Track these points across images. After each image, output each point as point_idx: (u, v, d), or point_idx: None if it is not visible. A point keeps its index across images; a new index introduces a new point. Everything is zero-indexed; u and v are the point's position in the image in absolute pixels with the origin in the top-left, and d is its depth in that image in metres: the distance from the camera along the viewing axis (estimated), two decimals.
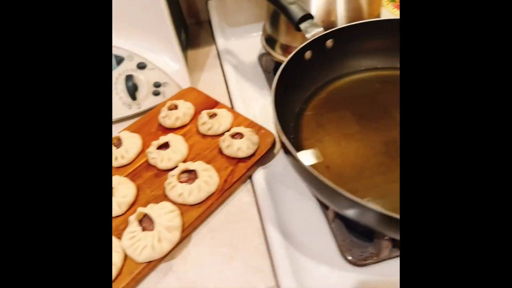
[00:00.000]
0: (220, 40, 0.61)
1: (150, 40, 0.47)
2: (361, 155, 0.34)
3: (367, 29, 0.40)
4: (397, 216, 0.22)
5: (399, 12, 0.45)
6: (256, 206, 0.35)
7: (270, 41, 0.51)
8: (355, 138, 0.36)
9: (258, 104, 0.48)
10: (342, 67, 0.43)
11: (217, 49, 0.61)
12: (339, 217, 0.32)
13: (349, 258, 0.30)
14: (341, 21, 0.45)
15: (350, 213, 0.26)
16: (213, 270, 0.31)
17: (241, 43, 0.60)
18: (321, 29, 0.39)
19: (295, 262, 0.30)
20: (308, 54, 0.39)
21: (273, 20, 0.48)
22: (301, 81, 0.40)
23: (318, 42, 0.39)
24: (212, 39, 0.63)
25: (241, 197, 0.36)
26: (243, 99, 0.48)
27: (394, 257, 0.30)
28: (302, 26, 0.39)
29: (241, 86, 0.51)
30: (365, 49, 0.42)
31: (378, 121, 0.37)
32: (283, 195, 0.36)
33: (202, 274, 0.31)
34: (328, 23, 0.45)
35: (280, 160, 0.39)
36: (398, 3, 0.48)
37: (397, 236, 0.27)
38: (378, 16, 0.48)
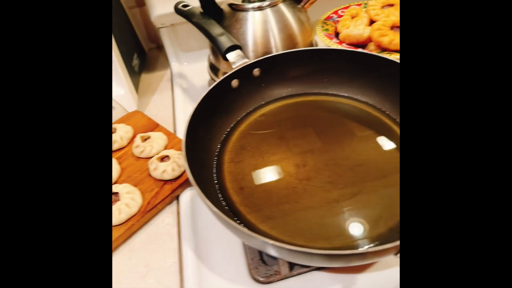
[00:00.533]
0: (174, 64, 0.64)
1: None
2: (276, 178, 0.36)
3: (291, 58, 0.43)
4: (294, 248, 0.23)
5: (330, 41, 0.49)
6: (177, 226, 0.37)
7: (213, 68, 0.54)
8: (272, 160, 0.38)
9: None
10: (270, 93, 0.46)
11: (171, 73, 0.64)
12: None
13: (255, 276, 0.32)
14: (277, 49, 0.49)
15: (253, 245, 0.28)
16: (130, 287, 0.32)
17: (194, 67, 0.63)
18: (247, 59, 0.42)
19: (204, 280, 0.32)
20: (235, 83, 0.42)
21: (214, 49, 0.51)
22: (230, 107, 0.43)
23: (244, 71, 0.42)
24: (168, 63, 0.66)
25: (165, 217, 0.38)
26: (185, 122, 0.51)
27: (294, 275, 0.32)
28: (229, 56, 0.42)
29: (187, 110, 0.54)
30: (291, 76, 0.45)
31: (297, 145, 0.39)
32: (205, 215, 0.38)
33: None
34: (264, 52, 0.48)
35: None
36: (331, 32, 0.52)
37: (296, 261, 0.29)
38: (311, 44, 0.52)
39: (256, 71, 0.44)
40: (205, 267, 0.33)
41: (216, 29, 0.44)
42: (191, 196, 0.40)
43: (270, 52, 0.48)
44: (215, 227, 0.36)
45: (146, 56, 0.69)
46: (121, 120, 0.49)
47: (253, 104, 0.45)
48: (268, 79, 0.45)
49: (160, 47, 0.72)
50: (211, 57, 0.53)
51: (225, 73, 0.51)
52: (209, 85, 0.58)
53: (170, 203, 0.39)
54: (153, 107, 0.56)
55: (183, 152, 0.31)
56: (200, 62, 0.63)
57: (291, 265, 0.32)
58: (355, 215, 0.32)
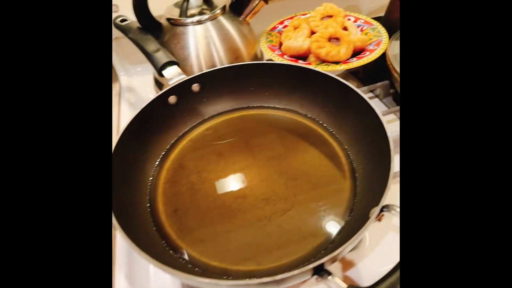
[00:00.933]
0: (123, 77, 0.62)
1: None
2: (212, 197, 0.36)
3: (231, 72, 0.43)
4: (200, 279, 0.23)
5: (272, 53, 0.49)
6: (113, 252, 0.36)
7: (158, 83, 0.53)
8: (210, 179, 0.37)
9: None
10: (211, 108, 0.45)
11: (119, 86, 0.62)
12: None
13: None
14: (221, 63, 0.49)
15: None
16: None
17: (143, 80, 0.61)
18: (184, 75, 0.41)
19: None
20: (173, 99, 0.42)
21: None
22: (169, 124, 0.42)
23: (182, 87, 0.42)
24: (116, 76, 0.64)
25: None
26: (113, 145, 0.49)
27: None
28: (165, 72, 0.41)
29: None
30: (233, 90, 0.45)
31: (235, 162, 0.39)
32: None
33: None
34: (209, 65, 0.48)
35: None
36: (275, 44, 0.52)
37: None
38: (255, 55, 0.52)
39: (195, 87, 0.43)
40: None
41: (152, 45, 0.43)
42: None
43: (214, 66, 0.48)
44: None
45: None
46: None
47: (194, 120, 0.44)
48: (209, 94, 0.44)
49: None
50: (155, 72, 0.52)
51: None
52: None
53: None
54: None
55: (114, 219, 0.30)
56: (149, 74, 0.62)
57: None
58: (285, 234, 0.32)
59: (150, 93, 0.58)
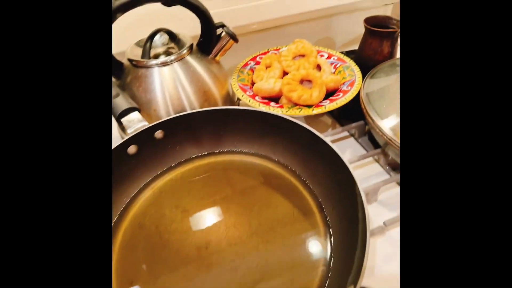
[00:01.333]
0: None
1: None
2: (174, 265, 0.32)
3: (197, 117, 0.40)
4: None
5: (243, 94, 0.46)
6: None
7: (122, 126, 0.49)
8: (172, 240, 0.34)
9: None
10: (178, 155, 0.42)
11: None
12: None
13: None
14: (190, 105, 0.45)
15: None
16: None
17: None
18: (145, 123, 0.38)
19: None
20: (132, 149, 0.38)
21: None
22: (129, 176, 0.38)
23: (144, 135, 0.38)
24: None
25: None
26: None
27: None
28: (124, 120, 0.38)
29: None
30: (201, 135, 0.42)
31: (202, 218, 0.36)
32: None
33: None
34: (178, 109, 0.44)
35: None
36: (246, 83, 0.50)
37: None
38: (227, 94, 0.49)
39: (158, 134, 0.40)
40: None
41: (111, 90, 0.39)
42: None
43: (183, 109, 0.45)
44: None
45: None
46: None
47: (157, 169, 0.41)
48: (174, 140, 0.41)
49: None
50: None
51: None
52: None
53: None
54: None
55: None
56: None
57: None
58: None
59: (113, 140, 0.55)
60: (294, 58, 0.48)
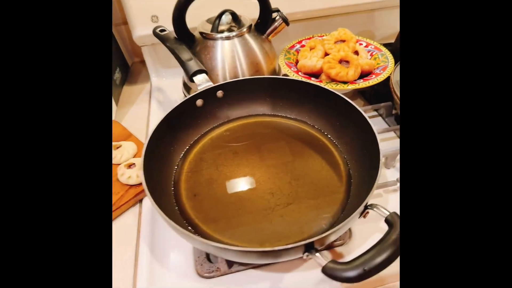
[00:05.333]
0: (154, 79, 0.70)
1: None
2: (226, 187, 0.42)
3: (250, 83, 0.50)
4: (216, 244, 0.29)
5: (288, 69, 0.55)
6: (137, 226, 0.42)
7: (186, 87, 0.60)
8: (225, 172, 0.44)
9: None
10: (231, 113, 0.52)
11: (151, 86, 0.69)
12: None
13: (200, 272, 0.37)
14: (243, 74, 0.55)
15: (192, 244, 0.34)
16: None
17: (172, 82, 0.69)
18: (211, 83, 0.48)
19: (155, 274, 0.37)
20: (199, 102, 0.48)
21: None
22: (193, 123, 0.49)
23: (208, 93, 0.48)
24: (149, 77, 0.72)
25: (128, 218, 0.43)
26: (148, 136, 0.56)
27: (233, 272, 0.37)
28: (195, 79, 0.48)
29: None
30: (250, 99, 0.51)
31: (248, 160, 0.45)
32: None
33: None
34: (232, 75, 0.54)
35: None
36: (292, 61, 0.59)
37: (230, 259, 0.35)
38: (274, 70, 0.58)
39: (219, 93, 0.50)
40: (157, 263, 0.38)
41: (186, 54, 0.50)
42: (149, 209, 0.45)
43: (237, 76, 0.55)
44: (169, 229, 0.42)
45: (129, 69, 0.75)
46: None
47: (216, 122, 0.51)
48: (230, 100, 0.51)
49: (143, 62, 0.78)
50: (184, 77, 0.59)
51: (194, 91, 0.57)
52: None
53: (133, 205, 0.44)
54: (129, 118, 0.61)
55: (142, 163, 0.37)
56: (178, 78, 0.69)
57: (230, 264, 0.37)
58: (285, 223, 0.37)
59: (177, 95, 0.66)
60: (335, 42, 0.56)
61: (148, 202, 0.45)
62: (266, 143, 0.48)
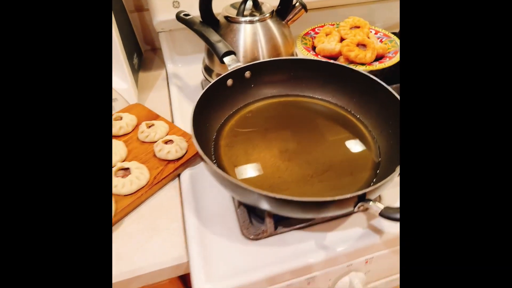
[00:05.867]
0: (169, 66, 0.71)
1: None
2: (264, 159, 0.45)
3: (276, 64, 0.53)
4: (275, 195, 0.32)
5: (307, 53, 0.58)
6: (179, 198, 0.44)
7: (207, 70, 0.62)
8: (260, 146, 0.46)
9: None
10: (258, 93, 0.54)
11: (166, 73, 0.70)
12: (243, 204, 0.42)
13: (246, 235, 0.40)
14: (263, 57, 0.58)
15: (244, 198, 0.36)
16: (139, 245, 0.38)
17: (187, 69, 0.70)
18: (240, 63, 0.50)
19: (204, 239, 0.39)
20: (229, 82, 0.50)
21: (210, 53, 0.59)
22: (224, 102, 0.51)
23: (238, 73, 0.51)
24: (163, 64, 0.73)
25: (168, 191, 0.45)
26: (182, 115, 0.58)
27: (278, 233, 0.40)
28: (225, 59, 0.50)
29: (183, 105, 0.61)
30: (276, 80, 0.54)
31: (280, 135, 0.48)
32: (203, 189, 0.45)
33: (130, 248, 0.38)
34: (253, 58, 0.57)
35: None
36: (309, 46, 0.62)
37: (278, 213, 0.37)
38: (292, 54, 0.61)
39: (247, 74, 0.52)
40: (204, 229, 0.40)
41: (215, 37, 0.52)
42: (190, 174, 0.47)
43: (258, 59, 0.57)
44: (211, 198, 0.44)
45: (143, 56, 0.76)
46: (125, 110, 0.55)
47: (244, 101, 0.53)
48: (257, 81, 0.53)
49: (155, 50, 0.79)
50: (206, 61, 0.61)
51: (218, 74, 0.59)
52: (202, 85, 0.67)
53: (173, 179, 0.46)
54: (151, 102, 0.62)
55: (192, 131, 0.39)
56: (192, 65, 0.71)
57: (276, 226, 0.40)
58: (325, 186, 0.41)
59: (194, 81, 0.67)
60: (350, 28, 0.60)
61: (186, 176, 0.46)
62: (295, 120, 0.51)
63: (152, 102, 0.62)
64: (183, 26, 0.57)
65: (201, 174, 0.47)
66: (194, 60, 0.71)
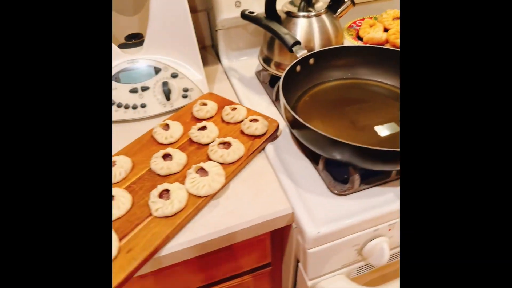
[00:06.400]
0: (225, 61, 0.79)
1: (182, 57, 0.63)
2: (337, 127, 0.52)
3: (335, 52, 0.61)
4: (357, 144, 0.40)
5: (356, 42, 0.66)
6: (270, 166, 0.51)
7: (266, 60, 0.69)
8: (332, 118, 0.54)
9: (261, 105, 0.65)
10: (320, 77, 0.62)
11: (222, 68, 0.78)
12: (325, 168, 0.50)
13: (335, 191, 0.47)
14: (318, 47, 0.66)
15: (332, 152, 0.43)
16: (247, 202, 0.46)
17: (240, 63, 0.78)
18: (306, 51, 0.58)
19: (301, 194, 0.47)
20: (298, 68, 0.58)
21: (269, 45, 0.67)
22: (294, 86, 0.59)
23: (304, 60, 0.58)
24: (216, 59, 0.80)
25: (259, 161, 0.52)
26: (250, 101, 0.65)
27: (362, 190, 0.47)
28: (294, 49, 0.58)
29: (246, 92, 0.68)
30: (335, 65, 0.62)
31: (344, 111, 0.56)
32: (286, 159, 0.52)
33: (240, 205, 0.46)
34: (309, 48, 0.65)
35: (282, 139, 0.56)
36: (354, 37, 0.70)
37: (361, 165, 0.45)
38: (342, 44, 0.69)
39: (311, 61, 0.60)
40: (299, 188, 0.48)
41: (283, 29, 0.60)
42: (273, 147, 0.54)
43: (313, 49, 0.65)
44: (295, 166, 0.51)
45: None
46: (203, 98, 0.63)
47: (310, 84, 0.61)
48: (320, 66, 0.61)
49: (205, 47, 0.87)
50: (266, 52, 0.69)
51: (276, 63, 0.67)
52: (256, 75, 0.74)
53: (259, 152, 0.54)
54: (218, 92, 0.70)
55: (283, 100, 0.46)
56: (244, 59, 0.79)
57: (358, 183, 0.47)
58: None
59: (249, 72, 0.75)
60: (393, 19, 0.68)
61: (271, 148, 0.54)
62: (357, 98, 0.59)
63: (219, 92, 0.70)
64: (238, 24, 0.65)
65: (281, 147, 0.54)
66: (245, 54, 0.79)
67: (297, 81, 0.59)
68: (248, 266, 0.57)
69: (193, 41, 0.62)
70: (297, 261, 0.52)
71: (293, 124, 0.48)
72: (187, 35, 0.62)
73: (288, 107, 0.47)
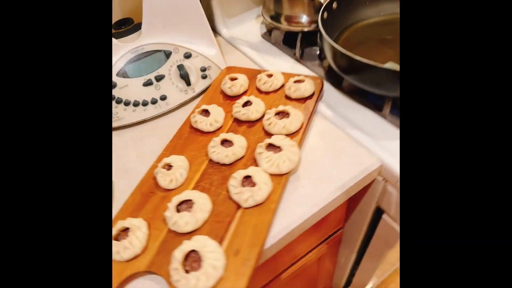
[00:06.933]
0: (224, 31, 0.71)
1: (190, 33, 0.55)
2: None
3: None
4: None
5: None
6: (332, 125, 0.47)
7: (275, 17, 0.63)
8: (365, 49, 0.50)
9: (285, 66, 0.60)
10: (348, 19, 0.58)
11: (224, 39, 0.70)
12: (391, 112, 0.47)
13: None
14: None
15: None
16: (330, 167, 0.42)
17: (239, 29, 0.71)
18: None
19: (382, 145, 0.43)
20: (335, 5, 0.54)
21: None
22: (332, 23, 0.54)
23: (328, 6, 0.53)
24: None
25: (318, 123, 0.48)
26: (272, 66, 0.59)
27: None
28: None
29: (265, 58, 0.62)
30: (352, 7, 0.58)
31: (382, 43, 0.52)
32: (346, 114, 0.48)
33: (324, 171, 0.41)
34: None
35: (326, 95, 0.52)
36: None
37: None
38: None
39: (334, 5, 0.55)
40: (375, 138, 0.44)
41: None
42: (326, 105, 0.50)
43: None
44: (353, 115, 0.47)
45: None
46: (226, 73, 0.56)
47: (338, 28, 0.57)
48: (341, 11, 0.56)
49: None
50: (271, 7, 0.62)
51: (287, 16, 0.61)
52: (265, 38, 0.68)
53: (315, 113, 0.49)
54: (234, 64, 0.62)
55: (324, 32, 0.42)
56: (241, 25, 0.71)
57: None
58: None
59: (253, 36, 0.68)
60: None
61: (323, 107, 0.50)
62: (387, 34, 0.55)
63: (235, 64, 0.63)
64: None
65: (334, 103, 0.50)
66: (243, 20, 0.72)
67: (335, 18, 0.54)
68: (326, 234, 0.54)
69: (200, 11, 0.54)
70: (380, 214, 0.50)
71: (349, 68, 0.43)
72: (191, 5, 0.53)
73: (343, 50, 0.42)
